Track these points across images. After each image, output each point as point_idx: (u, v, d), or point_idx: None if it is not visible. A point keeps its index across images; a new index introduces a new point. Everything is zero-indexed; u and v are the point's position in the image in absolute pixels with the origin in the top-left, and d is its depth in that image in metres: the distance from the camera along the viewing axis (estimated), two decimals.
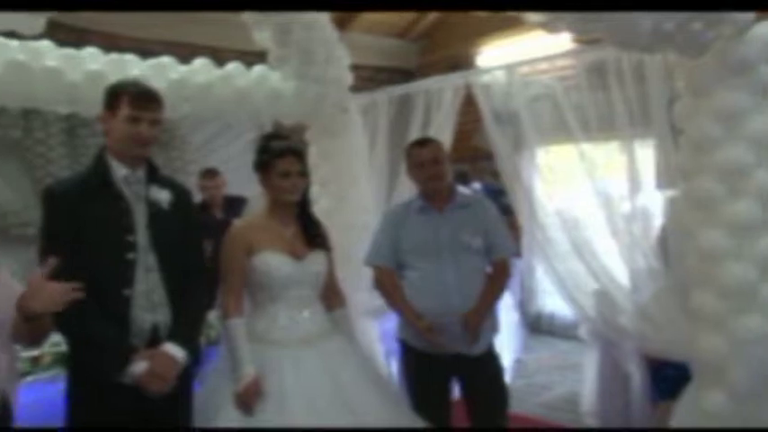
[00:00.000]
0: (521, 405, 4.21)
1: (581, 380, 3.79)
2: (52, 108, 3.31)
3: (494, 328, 3.02)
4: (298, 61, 3.51)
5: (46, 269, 1.91)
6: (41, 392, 2.95)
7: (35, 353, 3.05)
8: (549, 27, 2.10)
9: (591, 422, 3.57)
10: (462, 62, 6.33)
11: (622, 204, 3.03)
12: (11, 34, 2.94)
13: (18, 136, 5.10)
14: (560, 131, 3.18)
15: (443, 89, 3.58)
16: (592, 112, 3.03)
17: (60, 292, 1.90)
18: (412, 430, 2.62)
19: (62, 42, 3.24)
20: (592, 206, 3.15)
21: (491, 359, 3.00)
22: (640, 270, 2.97)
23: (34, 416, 2.64)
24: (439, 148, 3.04)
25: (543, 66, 3.33)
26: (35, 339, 2.11)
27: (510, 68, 3.32)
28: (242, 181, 5.02)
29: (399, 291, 2.95)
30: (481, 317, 2.84)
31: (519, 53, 4.60)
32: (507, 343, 4.70)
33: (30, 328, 1.93)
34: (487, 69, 3.57)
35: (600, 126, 3.01)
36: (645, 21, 2.06)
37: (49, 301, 1.88)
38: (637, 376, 3.27)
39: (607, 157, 3.29)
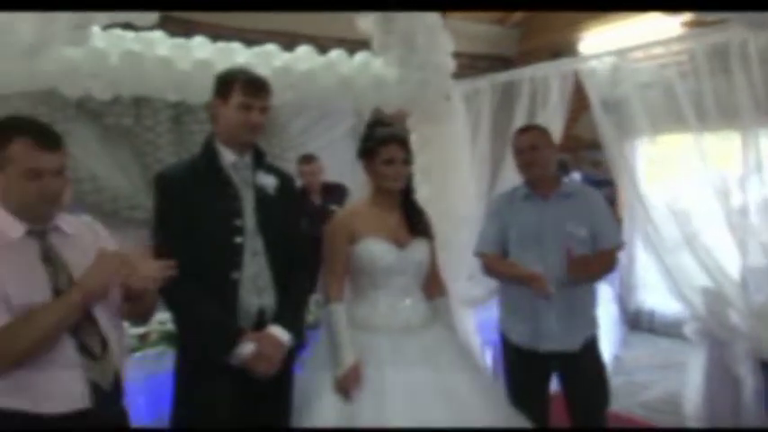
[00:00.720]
0: (619, 403, 4.06)
1: (684, 380, 3.62)
2: (162, 96, 3.45)
3: (592, 324, 2.92)
4: (401, 48, 3.50)
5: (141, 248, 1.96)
6: (148, 369, 3.08)
7: (142, 330, 3.18)
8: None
9: (695, 426, 3.41)
10: (564, 49, 6.14)
11: (738, 197, 2.87)
12: (128, 26, 3.08)
13: (129, 123, 5.32)
14: (672, 119, 3.04)
15: (549, 76, 3.49)
16: (710, 99, 2.87)
17: (156, 269, 1.91)
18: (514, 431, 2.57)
19: (173, 33, 3.36)
20: (704, 198, 3.00)
21: (592, 356, 2.91)
22: (756, 267, 2.81)
23: (140, 392, 2.76)
24: (539, 135, 2.96)
25: (657, 50, 3.17)
26: (139, 317, 2.17)
27: (621, 53, 3.19)
28: (340, 168, 5.11)
29: (507, 261, 2.92)
30: (583, 265, 2.73)
31: (623, 39, 4.41)
32: (605, 338, 4.55)
33: (132, 306, 1.99)
34: (596, 55, 3.43)
35: (719, 113, 2.85)
36: None
37: (145, 278, 1.90)
38: (749, 380, 3.09)
39: (723, 146, 3.11)
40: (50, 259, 1.87)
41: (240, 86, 2.29)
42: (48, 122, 2.00)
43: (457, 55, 3.89)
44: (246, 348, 2.23)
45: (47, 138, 1.83)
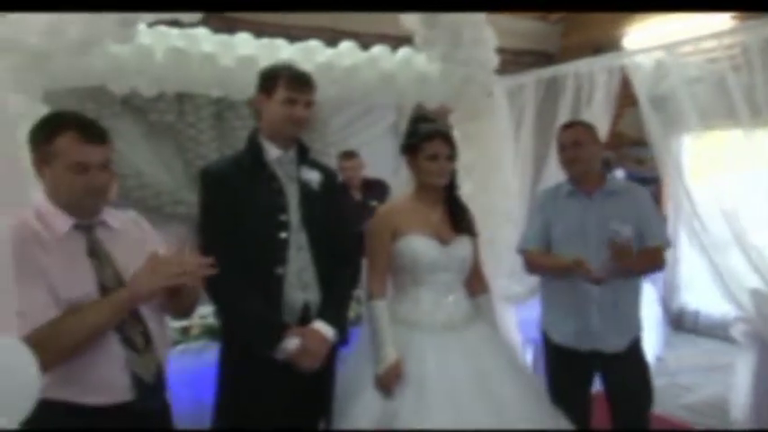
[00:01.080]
0: (661, 405, 3.97)
1: (730, 384, 3.52)
2: (206, 91, 3.48)
3: (637, 325, 2.86)
4: (444, 43, 3.47)
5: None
6: (190, 362, 3.11)
7: (185, 323, 3.22)
8: None
9: (741, 430, 3.32)
10: (608, 44, 6.03)
11: None
12: (173, 23, 3.11)
13: (172, 120, 5.39)
14: (722, 115, 2.96)
15: (594, 72, 3.42)
16: (763, 94, 2.78)
17: (198, 267, 1.89)
18: None
19: (217, 29, 3.39)
20: (754, 195, 2.92)
21: (636, 357, 2.85)
22: None
23: (183, 384, 2.78)
24: (583, 131, 2.91)
25: (707, 44, 3.08)
26: (181, 311, 2.15)
27: (669, 48, 3.11)
28: (381, 165, 5.10)
29: (549, 254, 2.89)
30: (627, 254, 2.64)
31: (669, 34, 4.30)
32: (647, 339, 4.46)
33: (175, 301, 1.99)
34: (643, 50, 3.35)
35: None
36: None
37: (189, 276, 1.87)
38: None
39: None
40: (96, 254, 1.89)
41: (285, 81, 2.30)
42: (94, 118, 2.03)
43: (500, 51, 3.85)
44: (291, 343, 2.24)
45: (92, 132, 1.86)
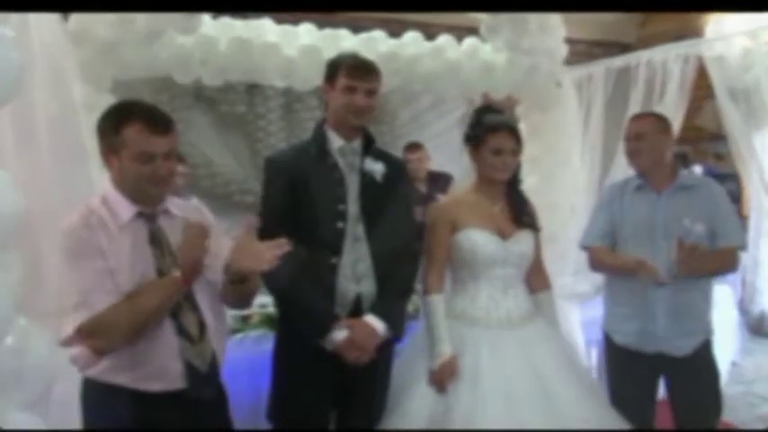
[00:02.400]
0: (734, 414, 3.82)
1: None
2: (269, 81, 3.50)
3: (705, 329, 2.71)
4: (510, 31, 3.37)
5: (247, 228, 1.94)
6: (249, 350, 3.14)
7: (245, 312, 3.24)
8: None
9: None
10: (688, 34, 5.76)
11: None
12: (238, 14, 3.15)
13: (242, 111, 5.48)
14: None
15: (669, 60, 3.26)
16: None
17: (267, 250, 1.89)
18: None
19: (281, 20, 3.40)
20: None
21: (704, 362, 2.70)
22: None
23: (241, 373, 2.81)
24: (648, 122, 2.77)
25: None
26: (241, 300, 2.15)
27: (753, 34, 2.93)
28: (450, 158, 5.03)
29: (614, 253, 2.77)
30: (694, 256, 2.50)
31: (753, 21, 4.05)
32: (723, 344, 4.26)
33: (235, 290, 1.99)
34: (723, 37, 3.18)
35: None
36: None
37: (257, 260, 1.88)
38: None
39: None
40: (157, 241, 1.93)
41: (345, 70, 2.30)
42: (168, 110, 2.07)
43: (573, 42, 3.72)
44: (339, 334, 2.23)
45: (158, 122, 1.89)
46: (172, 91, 4.98)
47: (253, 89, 5.32)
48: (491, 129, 2.47)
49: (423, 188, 4.90)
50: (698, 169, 5.60)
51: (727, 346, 4.59)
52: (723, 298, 4.08)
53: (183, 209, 2.05)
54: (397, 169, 2.45)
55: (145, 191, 1.90)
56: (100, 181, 2.21)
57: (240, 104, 5.44)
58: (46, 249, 2.13)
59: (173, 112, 2.14)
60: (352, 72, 2.29)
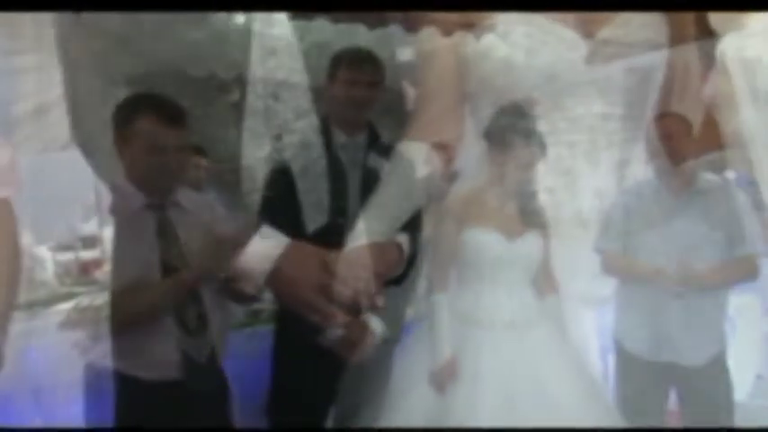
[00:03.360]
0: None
1: None
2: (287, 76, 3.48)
3: (720, 339, 2.66)
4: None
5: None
6: (258, 345, 3.13)
7: (256, 307, 3.24)
8: None
9: None
10: (723, 33, 5.60)
11: None
12: None
13: (270, 105, 5.50)
14: None
15: (689, 60, 3.17)
16: None
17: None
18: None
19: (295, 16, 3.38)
20: None
21: (717, 374, 2.64)
22: None
23: (249, 368, 2.80)
24: (674, 121, 2.76)
25: None
26: (243, 298, 2.15)
27: None
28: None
29: (629, 257, 2.73)
30: (709, 275, 2.49)
31: None
32: (748, 355, 4.13)
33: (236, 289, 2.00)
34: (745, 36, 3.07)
35: None
36: None
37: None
38: None
39: None
40: (165, 232, 1.94)
41: (345, 62, 2.29)
42: (190, 104, 2.07)
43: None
44: (335, 332, 2.20)
45: (170, 114, 1.90)
46: (196, 85, 5.01)
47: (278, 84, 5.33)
48: (508, 134, 2.44)
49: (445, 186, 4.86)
50: (731, 175, 5.44)
51: (752, 358, 4.47)
52: (748, 308, 3.97)
53: (194, 202, 2.06)
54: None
55: (154, 182, 1.92)
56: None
57: (264, 98, 5.45)
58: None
59: (195, 107, 2.15)
60: (351, 64, 2.30)
